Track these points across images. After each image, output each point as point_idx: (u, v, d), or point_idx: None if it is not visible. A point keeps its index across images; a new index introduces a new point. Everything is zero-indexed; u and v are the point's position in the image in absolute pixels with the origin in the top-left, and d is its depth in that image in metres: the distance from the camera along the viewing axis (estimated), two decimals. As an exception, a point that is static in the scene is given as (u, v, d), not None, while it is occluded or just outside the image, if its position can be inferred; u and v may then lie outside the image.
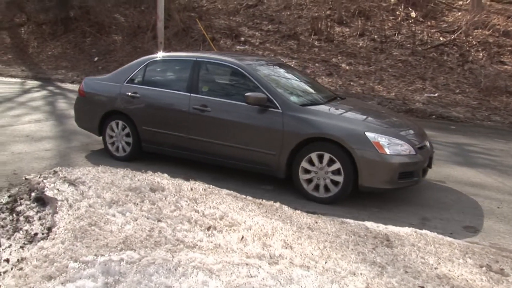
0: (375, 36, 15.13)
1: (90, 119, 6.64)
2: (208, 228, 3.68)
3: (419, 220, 4.69)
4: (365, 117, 5.50)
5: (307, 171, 5.08)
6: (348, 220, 4.26)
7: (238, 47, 16.21)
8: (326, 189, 5.02)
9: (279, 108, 5.22)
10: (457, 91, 12.20)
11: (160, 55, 6.51)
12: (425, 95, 12.09)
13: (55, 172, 4.42)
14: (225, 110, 5.54)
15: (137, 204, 3.96)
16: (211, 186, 4.73)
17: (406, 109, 11.11)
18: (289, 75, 6.39)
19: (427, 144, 5.40)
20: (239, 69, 5.65)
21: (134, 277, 2.81)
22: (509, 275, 3.34)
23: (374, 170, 4.81)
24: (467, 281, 3.19)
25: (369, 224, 4.18)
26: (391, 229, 4.09)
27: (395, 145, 4.86)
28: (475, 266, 3.44)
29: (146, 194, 4.17)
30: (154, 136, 6.03)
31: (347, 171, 4.85)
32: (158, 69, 6.41)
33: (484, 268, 3.40)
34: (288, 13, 17.50)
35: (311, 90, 6.18)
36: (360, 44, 15.02)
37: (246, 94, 5.29)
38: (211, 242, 3.47)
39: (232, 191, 4.70)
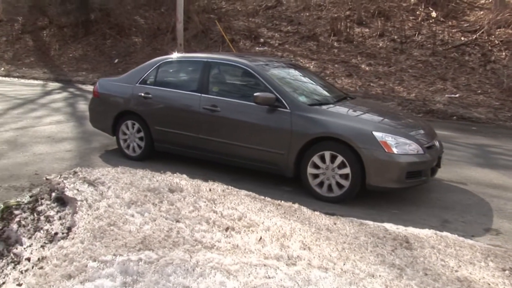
0: (395, 37, 14.99)
1: (104, 119, 6.75)
2: (226, 229, 3.68)
3: (439, 222, 4.62)
4: (373, 116, 5.48)
5: (315, 175, 5.10)
6: (367, 221, 4.22)
7: (257, 48, 16.22)
8: (336, 187, 5.02)
9: (288, 108, 5.23)
10: (479, 91, 12.01)
11: (171, 56, 6.58)
12: (446, 95, 11.93)
13: (75, 172, 4.47)
14: (235, 110, 5.58)
15: (156, 204, 3.98)
16: (230, 187, 4.73)
17: (426, 110, 10.97)
18: (299, 76, 6.41)
19: (436, 143, 5.36)
20: (249, 69, 5.69)
21: (152, 277, 2.82)
22: (532, 278, 3.27)
23: (381, 169, 4.79)
24: (489, 284, 3.13)
25: (389, 225, 4.13)
26: (411, 231, 4.04)
27: (403, 145, 4.83)
28: (497, 269, 3.37)
29: (165, 195, 4.19)
30: (166, 135, 6.12)
31: (355, 171, 4.84)
32: (170, 70, 6.49)
33: (507, 272, 3.33)
34: (307, 14, 17.45)
35: (321, 90, 6.20)
36: (380, 44, 14.90)
37: (254, 94, 5.33)
38: (229, 242, 3.47)
39: (250, 192, 4.70)
